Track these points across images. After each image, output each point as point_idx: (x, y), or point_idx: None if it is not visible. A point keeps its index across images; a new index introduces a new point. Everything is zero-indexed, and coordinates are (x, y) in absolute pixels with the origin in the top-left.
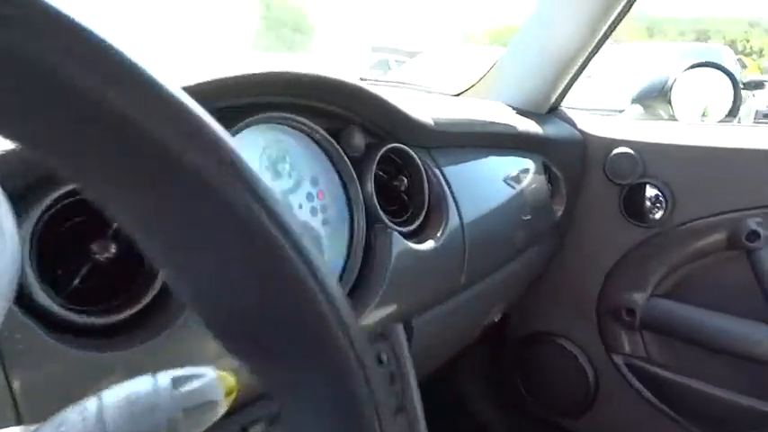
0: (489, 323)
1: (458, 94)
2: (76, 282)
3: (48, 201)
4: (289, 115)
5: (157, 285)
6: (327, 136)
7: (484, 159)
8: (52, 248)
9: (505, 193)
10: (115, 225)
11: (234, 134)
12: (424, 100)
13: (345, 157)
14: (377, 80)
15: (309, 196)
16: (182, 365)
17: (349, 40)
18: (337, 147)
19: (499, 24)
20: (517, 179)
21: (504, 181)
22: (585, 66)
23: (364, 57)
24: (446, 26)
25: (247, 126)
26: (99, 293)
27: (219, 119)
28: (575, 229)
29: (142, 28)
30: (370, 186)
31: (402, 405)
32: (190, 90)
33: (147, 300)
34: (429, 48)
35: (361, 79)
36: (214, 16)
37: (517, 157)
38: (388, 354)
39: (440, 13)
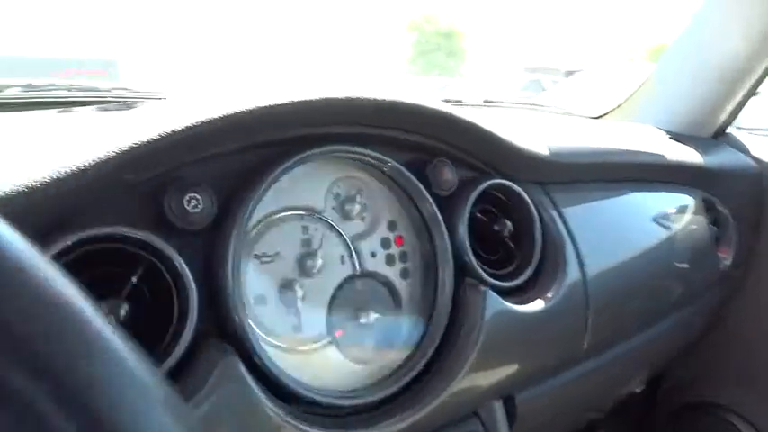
0: (628, 394)
1: (599, 117)
2: None
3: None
4: (362, 149)
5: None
6: (406, 172)
7: (623, 196)
8: None
9: (652, 237)
10: (133, 280)
11: (292, 168)
12: (554, 124)
13: (429, 197)
14: (499, 101)
15: (385, 242)
16: None
17: (502, 61)
18: (418, 184)
19: (664, 40)
20: (669, 219)
21: (653, 222)
22: (760, 82)
23: (517, 78)
24: (608, 44)
25: (309, 159)
26: None
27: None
28: (748, 280)
29: (298, 54)
30: (462, 231)
31: None
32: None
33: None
34: (588, 67)
35: (485, 102)
36: (368, 43)
37: (669, 193)
38: None
39: (601, 31)
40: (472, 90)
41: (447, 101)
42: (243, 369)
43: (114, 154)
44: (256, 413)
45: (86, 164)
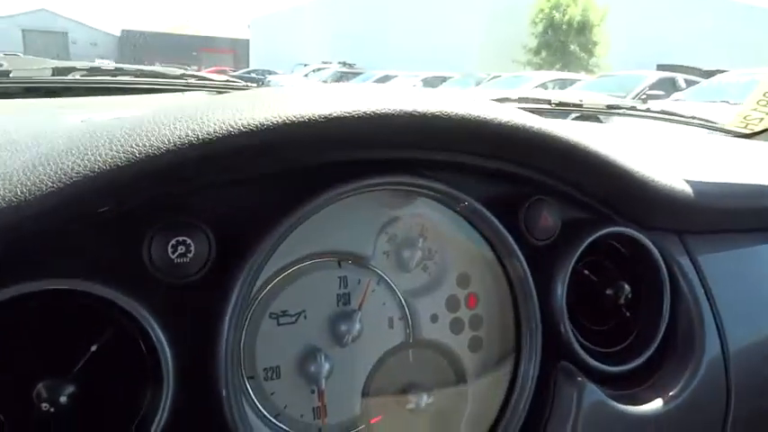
0: None
1: (754, 134)
2: None
3: None
4: (432, 182)
5: None
6: (488, 215)
7: None
8: None
9: None
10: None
11: (330, 203)
12: (694, 145)
13: (518, 249)
14: (625, 108)
15: (452, 302)
16: None
17: (633, 56)
18: (504, 232)
19: None
20: None
21: None
22: None
23: (649, 75)
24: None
25: (356, 192)
26: None
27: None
28: None
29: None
30: (560, 295)
31: None
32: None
33: None
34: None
35: (609, 107)
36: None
37: None
38: None
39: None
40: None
41: (564, 104)
42: None
43: (79, 176)
44: None
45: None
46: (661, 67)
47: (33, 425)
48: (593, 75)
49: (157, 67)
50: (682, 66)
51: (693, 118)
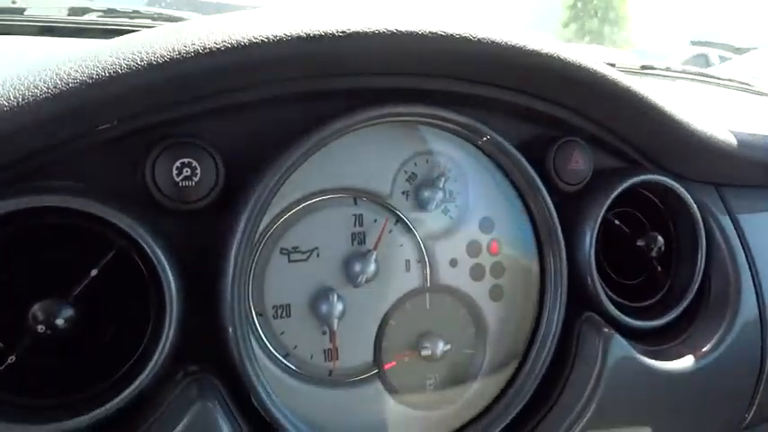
0: None
1: None
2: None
3: None
4: (447, 113)
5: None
6: (513, 151)
7: None
8: None
9: None
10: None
11: (347, 132)
12: (735, 103)
13: (546, 191)
14: (661, 69)
15: (474, 247)
16: None
17: (666, 32)
18: (531, 171)
19: None
20: None
21: None
22: None
23: (682, 51)
24: None
25: (374, 122)
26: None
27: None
28: None
29: None
30: (589, 243)
31: None
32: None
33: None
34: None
35: (643, 68)
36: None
37: None
38: None
39: None
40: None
41: None
42: (222, 419)
43: (76, 83)
44: None
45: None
46: (695, 44)
47: (31, 350)
48: (622, 49)
49: (182, 12)
50: (715, 42)
51: (731, 81)
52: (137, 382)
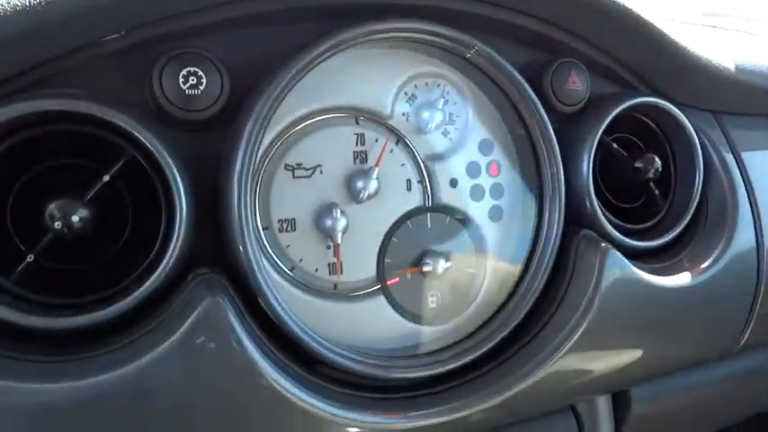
0: None
1: None
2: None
3: None
4: (433, 27)
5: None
6: (501, 59)
7: None
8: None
9: None
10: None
11: (349, 48)
12: (737, 41)
13: (544, 112)
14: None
15: (473, 168)
16: None
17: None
18: (529, 91)
19: None
20: None
21: None
22: None
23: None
24: None
25: (375, 38)
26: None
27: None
28: None
29: None
30: (586, 163)
31: None
32: None
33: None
34: None
35: None
36: None
37: None
38: None
39: None
40: None
41: None
42: (231, 313)
43: None
44: (246, 375)
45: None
46: (707, 15)
47: (49, 252)
48: None
49: None
50: (727, 14)
51: (737, 25)
52: (148, 282)
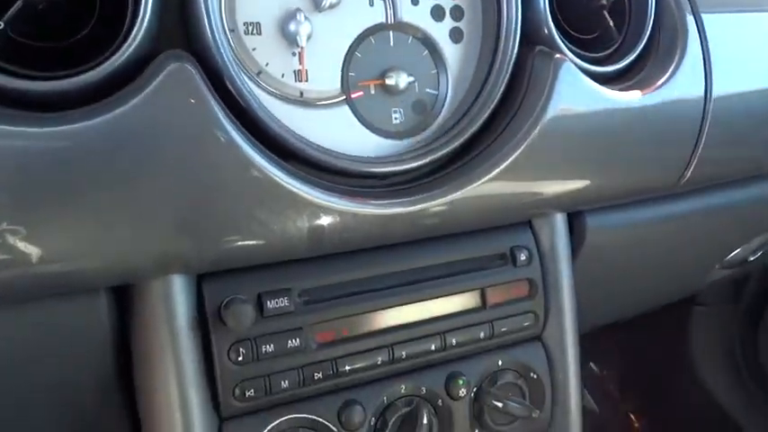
0: (739, 260)
1: None
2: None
3: None
4: None
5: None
6: None
7: None
8: None
9: None
10: None
11: None
12: None
13: None
14: None
15: None
16: None
17: None
18: None
19: None
20: None
21: None
22: None
23: None
24: None
25: None
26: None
27: None
28: None
29: None
30: None
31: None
32: None
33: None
34: None
35: None
36: None
37: None
38: (527, 251)
39: None
40: None
41: None
42: (198, 77)
43: None
44: (204, 125)
45: None
46: None
47: (20, 20)
48: None
49: None
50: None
51: None
52: (118, 53)
